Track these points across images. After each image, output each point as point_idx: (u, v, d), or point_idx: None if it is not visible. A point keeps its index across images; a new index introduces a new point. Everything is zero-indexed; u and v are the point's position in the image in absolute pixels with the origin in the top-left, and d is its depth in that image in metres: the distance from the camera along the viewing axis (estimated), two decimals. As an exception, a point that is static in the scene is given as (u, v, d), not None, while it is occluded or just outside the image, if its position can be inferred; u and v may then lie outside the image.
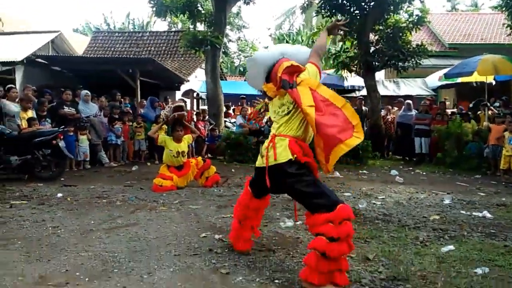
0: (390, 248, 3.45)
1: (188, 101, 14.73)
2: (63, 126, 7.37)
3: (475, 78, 10.97)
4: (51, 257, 3.12)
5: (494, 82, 11.46)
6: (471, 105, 11.86)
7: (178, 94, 14.88)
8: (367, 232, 3.89)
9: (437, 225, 4.24)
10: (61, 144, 6.97)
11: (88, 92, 8.75)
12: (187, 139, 6.43)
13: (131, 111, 10.04)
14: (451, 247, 3.43)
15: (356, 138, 2.65)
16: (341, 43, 11.23)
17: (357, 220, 4.18)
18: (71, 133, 8.00)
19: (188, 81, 14.95)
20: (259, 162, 2.95)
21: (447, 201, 5.48)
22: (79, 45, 17.63)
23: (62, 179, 6.86)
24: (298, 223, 4.11)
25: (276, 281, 2.76)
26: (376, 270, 2.93)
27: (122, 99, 10.42)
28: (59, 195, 5.47)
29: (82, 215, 4.43)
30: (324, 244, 2.50)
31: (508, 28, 10.32)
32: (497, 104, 10.58)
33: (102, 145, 8.80)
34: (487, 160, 8.71)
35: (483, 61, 9.43)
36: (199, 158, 6.74)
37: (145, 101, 10.44)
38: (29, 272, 2.82)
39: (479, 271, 2.89)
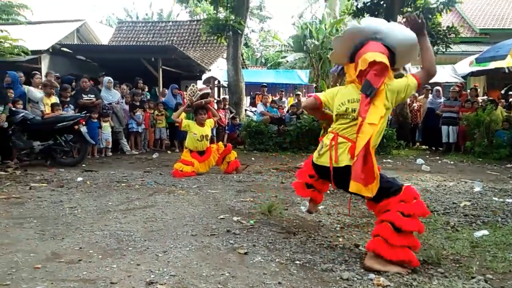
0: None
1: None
2: (85, 112, 7.40)
3: (507, 63, 10.38)
4: (66, 235, 3.08)
5: (527, 68, 10.85)
6: (502, 92, 11.26)
7: (200, 83, 14.84)
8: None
9: (468, 211, 3.98)
10: (83, 129, 7.00)
11: (111, 78, 8.77)
12: (210, 123, 6.37)
13: (151, 99, 10.04)
14: (485, 232, 3.19)
15: (367, 191, 2.46)
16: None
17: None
18: (95, 120, 8.05)
19: (210, 70, 14.87)
20: (320, 159, 2.75)
21: (477, 189, 5.18)
22: (103, 36, 17.82)
23: (83, 165, 6.91)
24: (319, 207, 3.96)
25: (297, 262, 2.62)
26: (404, 254, 2.74)
27: (145, 87, 10.42)
28: (79, 179, 5.48)
29: (100, 197, 4.40)
30: (400, 218, 2.42)
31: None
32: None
33: (124, 133, 8.83)
34: (519, 149, 8.25)
35: (518, 43, 8.91)
36: (220, 143, 6.65)
37: (166, 90, 10.42)
38: (42, 249, 2.78)
39: (518, 255, 2.66)
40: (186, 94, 6.42)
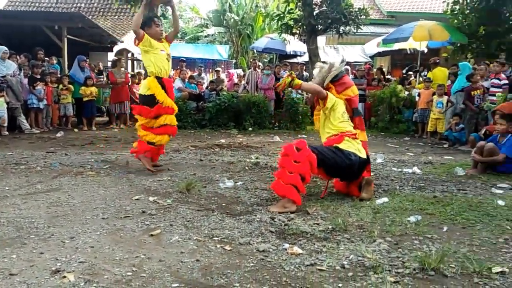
0: (328, 203, 3.46)
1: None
2: (-28, 86, 6.48)
3: (410, 45, 11.37)
4: (-48, 226, 2.70)
5: (426, 50, 11.99)
6: (404, 71, 12.37)
7: (111, 56, 13.85)
8: (305, 189, 3.87)
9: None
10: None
11: (6, 48, 7.74)
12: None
13: (57, 72, 9.14)
14: (385, 199, 3.52)
15: None
16: (285, 5, 10.95)
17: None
18: (-15, 95, 7.10)
19: (122, 42, 13.91)
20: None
21: (379, 160, 5.68)
22: (-4, -1, 15.70)
23: (-26, 145, 6.11)
24: (238, 183, 4.03)
25: (215, 238, 2.63)
26: (315, 223, 2.91)
27: (48, 59, 9.41)
28: (-31, 161, 4.84)
29: (-5, 182, 3.93)
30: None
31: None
32: (425, 72, 11.11)
33: (22, 109, 7.93)
34: (415, 124, 9.20)
35: (419, 26, 9.74)
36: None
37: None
38: None
39: (412, 219, 2.98)
40: None
